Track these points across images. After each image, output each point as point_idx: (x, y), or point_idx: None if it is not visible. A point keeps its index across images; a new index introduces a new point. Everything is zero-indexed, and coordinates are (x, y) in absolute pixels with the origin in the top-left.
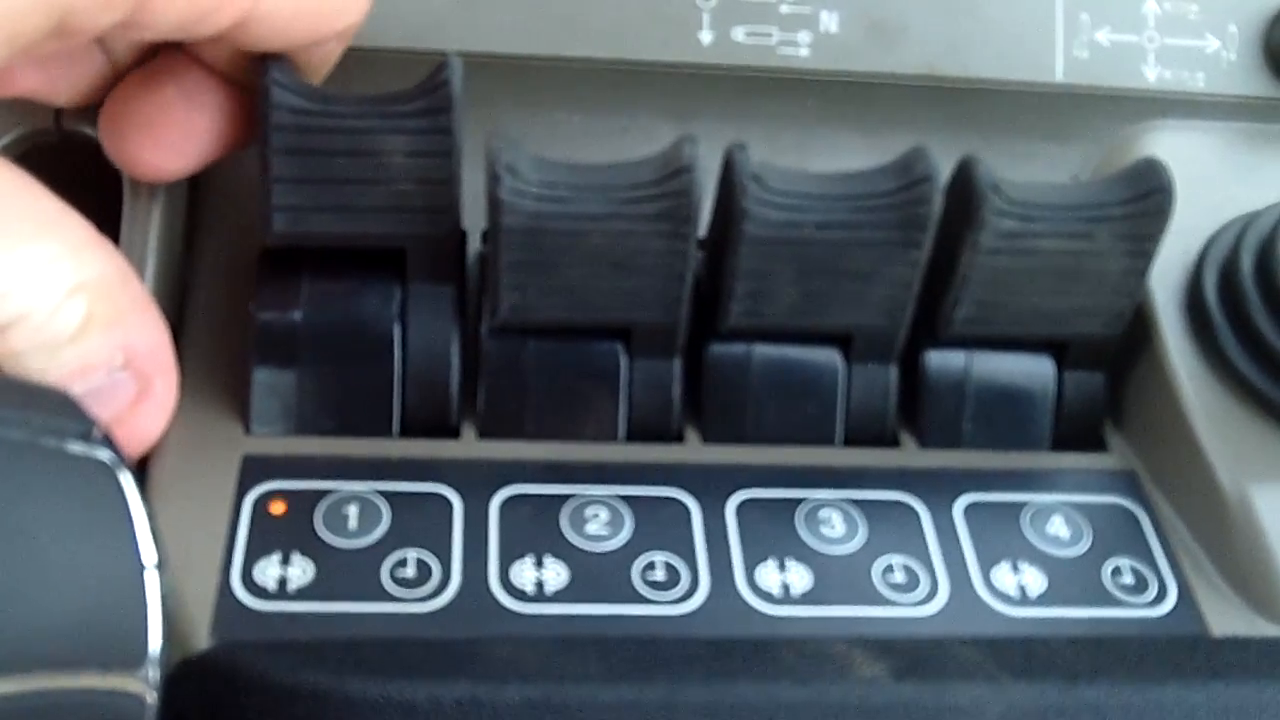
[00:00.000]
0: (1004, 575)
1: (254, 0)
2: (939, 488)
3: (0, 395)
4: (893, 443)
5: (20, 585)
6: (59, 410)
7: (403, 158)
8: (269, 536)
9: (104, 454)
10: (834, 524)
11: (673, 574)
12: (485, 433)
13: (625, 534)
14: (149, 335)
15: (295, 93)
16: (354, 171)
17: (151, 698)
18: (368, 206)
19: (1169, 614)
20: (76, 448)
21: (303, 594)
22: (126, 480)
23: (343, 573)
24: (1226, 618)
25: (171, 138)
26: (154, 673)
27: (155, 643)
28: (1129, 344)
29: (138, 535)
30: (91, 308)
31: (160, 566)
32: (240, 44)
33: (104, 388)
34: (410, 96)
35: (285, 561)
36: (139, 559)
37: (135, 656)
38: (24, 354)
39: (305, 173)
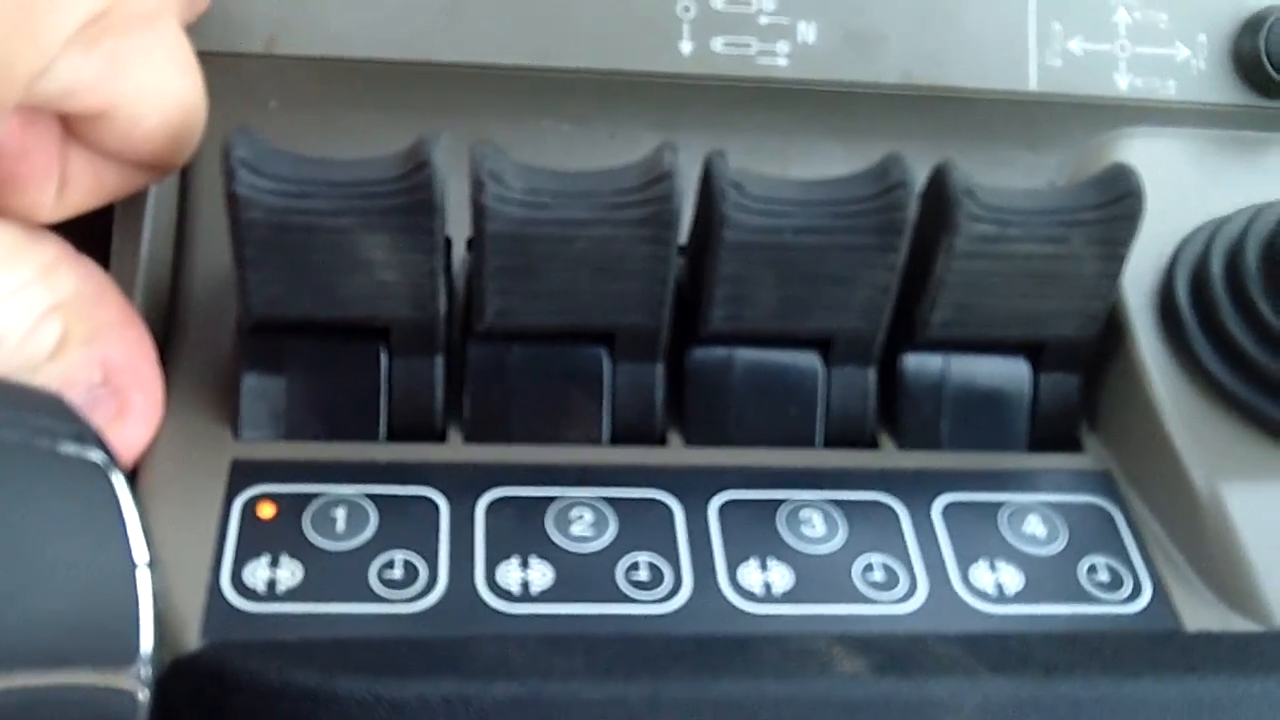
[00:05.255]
0: (982, 573)
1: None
2: (918, 488)
3: None
4: (872, 444)
5: (13, 584)
6: (52, 412)
7: (384, 253)
8: (258, 539)
9: (96, 455)
10: (815, 524)
11: (656, 574)
12: (471, 437)
13: (609, 535)
14: (128, 350)
15: (263, 178)
16: (332, 264)
17: (143, 695)
18: (348, 295)
19: (1143, 610)
20: (69, 449)
21: (292, 595)
22: (118, 480)
23: (331, 574)
24: (1200, 613)
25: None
26: (146, 670)
27: (147, 640)
28: (1103, 346)
29: (129, 534)
30: (67, 326)
31: (151, 565)
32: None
33: (83, 404)
34: (390, 183)
35: (274, 564)
36: (130, 558)
37: (127, 654)
38: (5, 375)
39: (280, 264)
